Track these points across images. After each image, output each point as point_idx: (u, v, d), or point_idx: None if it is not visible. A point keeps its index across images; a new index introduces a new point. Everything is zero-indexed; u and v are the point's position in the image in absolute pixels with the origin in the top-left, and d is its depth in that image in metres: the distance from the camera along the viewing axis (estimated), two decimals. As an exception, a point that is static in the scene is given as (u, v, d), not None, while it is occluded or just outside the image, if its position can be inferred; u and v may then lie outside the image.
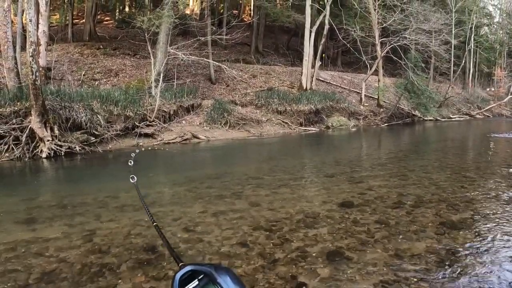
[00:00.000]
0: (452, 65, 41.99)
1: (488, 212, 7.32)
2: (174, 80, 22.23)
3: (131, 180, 3.51)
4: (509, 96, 51.35)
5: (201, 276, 1.82)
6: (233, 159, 14.73)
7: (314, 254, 5.26)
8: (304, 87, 26.90)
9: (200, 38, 21.58)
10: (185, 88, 21.29)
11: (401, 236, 5.99)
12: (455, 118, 39.19)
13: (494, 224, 6.59)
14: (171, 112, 19.30)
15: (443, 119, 36.45)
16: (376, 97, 32.08)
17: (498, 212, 7.31)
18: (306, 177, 10.81)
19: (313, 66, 28.69)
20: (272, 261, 5.05)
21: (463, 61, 45.83)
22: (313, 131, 23.80)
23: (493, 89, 58.94)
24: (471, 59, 51.43)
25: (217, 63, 23.49)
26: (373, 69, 31.09)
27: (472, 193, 8.78)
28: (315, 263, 5.02)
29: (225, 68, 22.44)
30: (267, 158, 14.79)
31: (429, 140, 23.45)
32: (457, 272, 4.81)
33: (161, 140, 17.33)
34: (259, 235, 5.97)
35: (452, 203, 7.82)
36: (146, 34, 19.54)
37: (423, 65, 32.19)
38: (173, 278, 1.84)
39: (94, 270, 4.89)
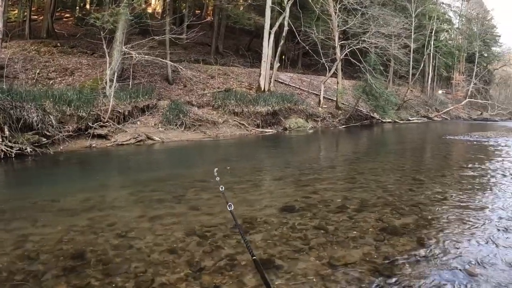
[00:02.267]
0: (411, 68, 42.78)
1: (433, 217, 7.26)
2: (130, 80, 21.96)
3: (228, 208, 3.58)
4: (467, 99, 52.81)
5: None
6: (184, 161, 14.60)
7: (243, 263, 5.13)
8: (262, 89, 26.96)
9: (155, 37, 21.32)
10: (141, 88, 21.02)
11: (338, 243, 5.88)
12: (413, 120, 40.06)
13: (437, 230, 6.54)
14: (126, 113, 19.00)
15: (402, 121, 37.19)
16: (335, 99, 32.40)
17: (444, 216, 7.29)
18: (252, 180, 10.66)
19: (272, 68, 28.78)
20: (198, 270, 4.94)
21: (422, 65, 46.79)
22: (270, 133, 23.84)
23: (443, 91, 60.54)
24: (430, 63, 52.52)
25: (172, 63, 23.28)
26: (332, 71, 31.41)
27: (419, 197, 8.77)
28: (242, 272, 4.90)
29: (180, 68, 22.25)
30: (218, 160, 14.65)
31: (385, 142, 23.80)
32: (392, 282, 4.70)
33: (114, 141, 17.05)
34: (190, 241, 5.85)
35: (397, 207, 7.79)
36: (102, 32, 19.26)
37: (381, 68, 32.67)
38: None
39: (18, 278, 4.76)
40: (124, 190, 9.67)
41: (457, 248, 5.71)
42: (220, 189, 4.22)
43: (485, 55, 65.64)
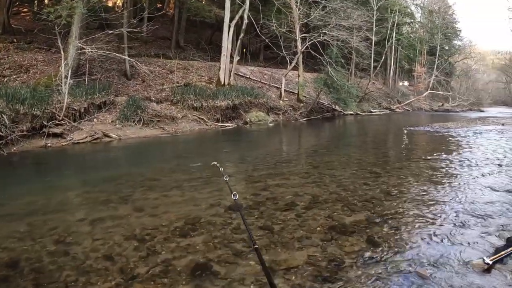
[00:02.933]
0: (372, 61, 43.24)
1: (386, 213, 7.09)
2: (86, 76, 21.48)
3: (233, 197, 3.91)
4: (428, 91, 53.77)
5: None
6: (138, 159, 14.34)
7: (179, 269, 5.00)
8: (222, 82, 26.77)
9: (109, 31, 20.89)
10: (97, 84, 20.52)
11: (282, 245, 5.71)
12: (375, 112, 40.56)
13: (389, 227, 6.38)
14: (82, 110, 18.47)
15: (364, 113, 37.62)
16: (296, 92, 32.51)
17: (397, 212, 7.17)
18: (203, 177, 10.32)
19: (232, 61, 28.66)
20: (131, 278, 4.79)
21: (384, 58, 47.38)
22: (231, 127, 23.64)
23: (406, 83, 61.72)
24: (392, 56, 53.26)
25: (128, 58, 22.90)
26: (293, 64, 31.49)
27: (374, 191, 8.65)
28: (177, 279, 4.76)
29: (136, 63, 21.85)
30: (173, 157, 14.47)
31: (345, 134, 23.93)
32: (335, 288, 4.51)
33: (70, 140, 16.63)
34: (128, 246, 5.69)
35: (349, 203, 7.69)
36: (56, 27, 18.77)
37: (343, 61, 32.93)
38: None
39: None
40: (72, 191, 9.45)
41: (410, 248, 5.61)
42: (225, 178, 4.99)
43: (446, 48, 67.19)
